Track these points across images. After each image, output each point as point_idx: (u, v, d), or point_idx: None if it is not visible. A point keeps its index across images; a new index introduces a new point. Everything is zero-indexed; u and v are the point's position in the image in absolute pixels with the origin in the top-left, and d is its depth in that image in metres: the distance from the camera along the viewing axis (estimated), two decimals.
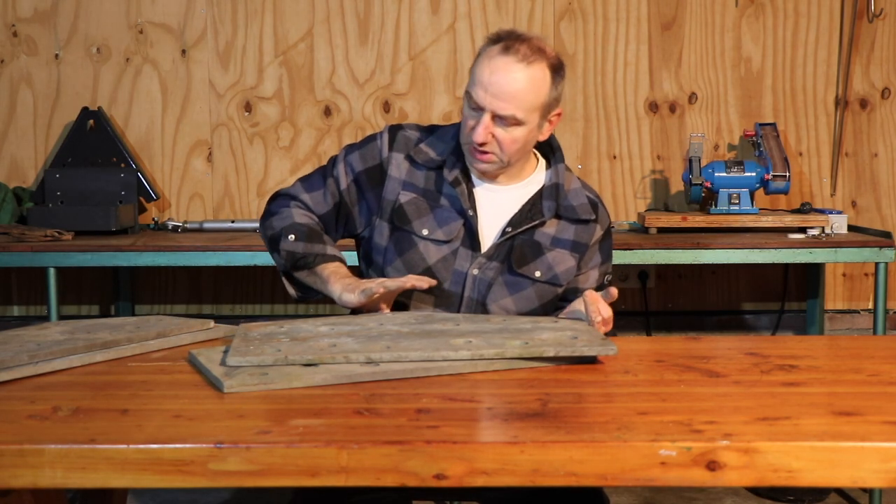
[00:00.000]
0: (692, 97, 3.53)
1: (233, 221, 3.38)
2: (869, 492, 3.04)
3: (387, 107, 3.54)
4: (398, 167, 1.99)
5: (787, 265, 3.58)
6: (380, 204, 1.99)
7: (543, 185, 2.00)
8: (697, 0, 3.51)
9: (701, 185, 3.26)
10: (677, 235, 3.13)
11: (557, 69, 1.89)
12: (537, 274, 1.96)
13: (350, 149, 2.04)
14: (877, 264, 2.96)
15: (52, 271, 2.92)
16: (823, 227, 3.12)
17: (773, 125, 3.41)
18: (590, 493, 1.76)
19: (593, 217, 2.00)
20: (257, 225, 3.28)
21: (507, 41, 1.86)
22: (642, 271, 3.56)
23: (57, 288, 2.94)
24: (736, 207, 3.26)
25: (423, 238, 1.95)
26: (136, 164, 3.43)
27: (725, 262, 2.97)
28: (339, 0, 3.51)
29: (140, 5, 3.51)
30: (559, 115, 1.95)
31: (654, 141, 3.55)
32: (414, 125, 2.06)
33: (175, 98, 3.53)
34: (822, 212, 3.26)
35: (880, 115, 3.53)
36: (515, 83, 1.83)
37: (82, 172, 3.33)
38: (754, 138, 3.36)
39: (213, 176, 3.55)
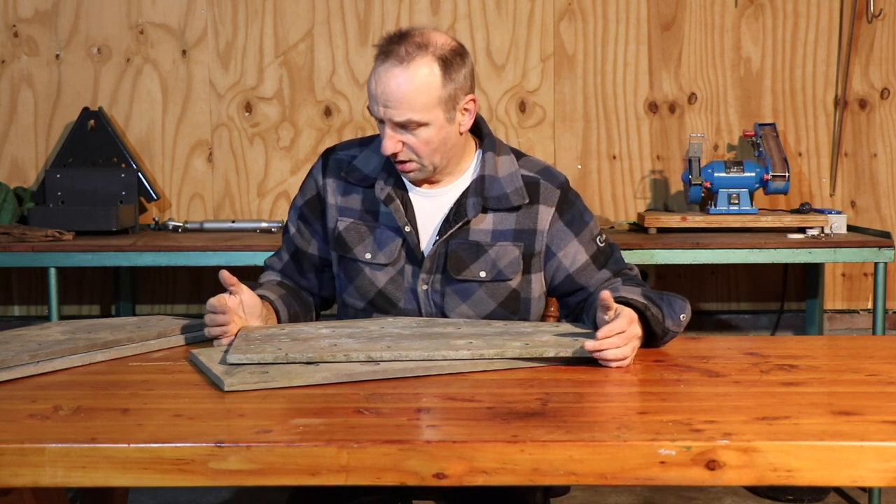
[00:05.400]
0: (692, 97, 3.53)
1: (233, 221, 3.38)
2: (868, 491, 3.04)
3: None
4: (333, 193, 1.96)
5: (786, 265, 3.59)
6: (325, 233, 1.98)
7: (470, 182, 1.90)
8: (697, 0, 3.51)
9: (700, 185, 3.26)
10: (677, 235, 3.13)
11: (448, 59, 1.79)
12: (482, 274, 1.88)
13: (296, 195, 2.03)
14: (876, 264, 2.96)
15: (52, 271, 2.92)
16: (823, 228, 3.12)
17: (773, 125, 3.41)
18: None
19: (527, 201, 1.89)
20: (258, 225, 3.32)
21: (386, 47, 1.79)
22: (642, 271, 3.53)
23: (58, 288, 2.94)
24: (735, 207, 3.26)
25: (368, 263, 1.91)
26: (137, 165, 3.43)
27: (725, 262, 2.97)
28: (339, 0, 3.51)
29: (140, 6, 3.51)
30: (472, 100, 1.84)
31: (653, 141, 3.55)
32: (348, 143, 2.01)
33: (175, 98, 3.54)
34: (821, 212, 3.27)
35: (879, 115, 3.54)
36: (399, 87, 1.76)
37: (83, 172, 3.33)
38: (754, 138, 3.36)
39: (214, 176, 3.56)
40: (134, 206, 3.31)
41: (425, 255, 1.89)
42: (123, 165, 3.40)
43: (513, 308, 1.91)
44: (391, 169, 1.91)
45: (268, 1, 3.50)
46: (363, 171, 1.94)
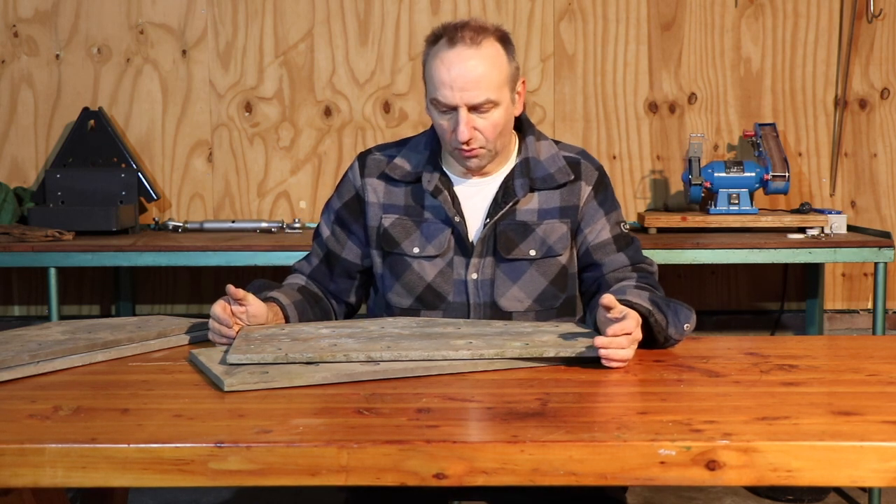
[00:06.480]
0: (692, 97, 3.53)
1: (233, 221, 3.38)
2: (868, 491, 3.04)
3: (387, 107, 3.54)
4: (374, 192, 1.97)
5: (786, 265, 3.59)
6: (367, 234, 1.99)
7: (515, 164, 1.96)
8: (697, 0, 3.51)
9: (700, 185, 3.26)
10: (677, 235, 3.13)
11: (505, 40, 1.86)
12: (532, 253, 1.91)
13: (330, 198, 2.05)
14: (876, 264, 2.96)
15: (52, 271, 2.92)
16: (823, 228, 3.12)
17: (773, 125, 3.41)
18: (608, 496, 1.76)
19: (572, 177, 1.94)
20: (258, 225, 3.32)
21: (448, 34, 1.83)
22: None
23: (58, 288, 2.94)
24: (735, 207, 3.26)
25: (416, 257, 1.93)
26: (137, 165, 3.43)
27: (725, 262, 2.97)
28: (339, 0, 3.51)
29: (140, 6, 3.51)
30: (524, 83, 1.93)
31: (653, 141, 3.55)
32: (383, 144, 2.05)
33: (175, 98, 3.54)
34: (821, 212, 3.27)
35: (879, 115, 3.54)
36: (476, 68, 1.80)
37: (83, 172, 3.33)
38: (754, 138, 3.36)
39: (214, 176, 3.56)
40: (134, 206, 3.31)
41: (474, 243, 1.91)
42: (123, 165, 3.40)
43: (561, 285, 1.95)
44: (435, 163, 1.95)
45: (268, 1, 3.50)
46: (406, 168, 1.96)
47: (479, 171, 1.94)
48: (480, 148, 1.87)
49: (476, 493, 1.73)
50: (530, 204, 1.93)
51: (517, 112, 1.93)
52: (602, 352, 1.56)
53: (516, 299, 1.92)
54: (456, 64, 1.80)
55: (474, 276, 1.91)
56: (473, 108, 1.82)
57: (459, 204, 1.93)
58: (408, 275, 1.93)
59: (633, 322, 1.59)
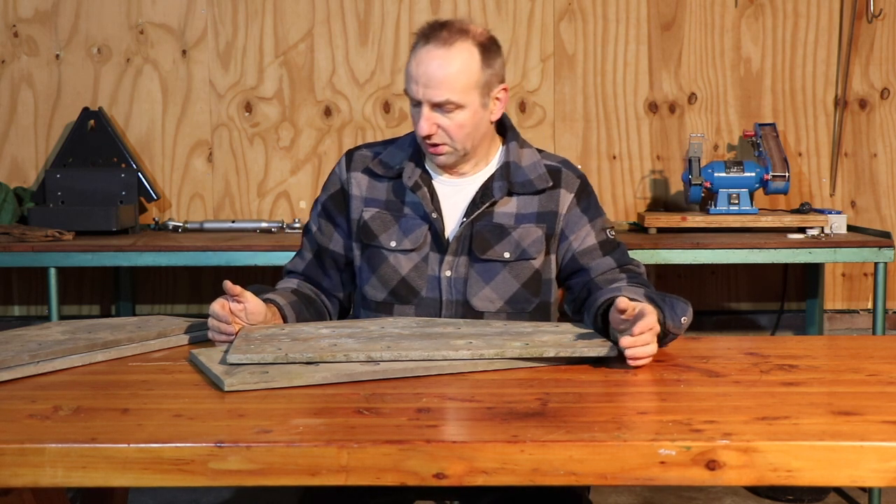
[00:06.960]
0: (692, 97, 3.53)
1: (233, 221, 3.39)
2: (868, 491, 3.04)
3: (387, 107, 3.54)
4: (358, 185, 2.00)
5: (786, 265, 3.59)
6: (349, 226, 2.01)
7: (496, 168, 1.97)
8: (697, 0, 3.51)
9: (700, 185, 3.26)
10: (677, 235, 3.13)
11: (487, 46, 1.87)
12: (506, 255, 1.92)
13: (318, 196, 2.07)
14: (876, 264, 2.96)
15: (52, 271, 2.92)
16: (823, 228, 3.12)
17: (773, 125, 3.41)
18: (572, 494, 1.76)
19: (551, 184, 1.95)
20: (258, 225, 3.32)
21: (428, 32, 1.86)
22: None
23: (58, 288, 2.94)
24: (735, 207, 3.26)
25: (392, 250, 1.95)
26: (137, 165, 3.43)
27: (725, 262, 2.97)
28: (339, 0, 3.51)
29: (140, 6, 3.51)
30: (505, 90, 1.93)
31: (653, 141, 3.55)
32: (370, 143, 2.08)
33: (175, 98, 3.53)
34: (821, 212, 3.27)
35: (879, 115, 3.54)
36: (441, 68, 1.82)
37: (83, 172, 3.33)
38: (754, 138, 3.36)
39: (214, 176, 3.56)
40: (134, 206, 3.31)
41: (450, 240, 1.93)
42: (123, 165, 3.40)
43: (535, 289, 1.95)
44: (418, 160, 1.98)
45: (268, 1, 3.50)
46: (390, 163, 1.99)
47: (452, 170, 1.96)
48: (444, 145, 1.89)
49: (436, 493, 1.72)
50: (507, 207, 1.95)
51: (493, 118, 1.93)
52: (629, 352, 1.56)
53: (488, 299, 1.93)
54: (424, 61, 1.84)
55: (448, 273, 1.93)
56: (437, 106, 1.85)
57: (438, 201, 1.95)
58: (384, 268, 1.95)
59: (652, 317, 1.59)
